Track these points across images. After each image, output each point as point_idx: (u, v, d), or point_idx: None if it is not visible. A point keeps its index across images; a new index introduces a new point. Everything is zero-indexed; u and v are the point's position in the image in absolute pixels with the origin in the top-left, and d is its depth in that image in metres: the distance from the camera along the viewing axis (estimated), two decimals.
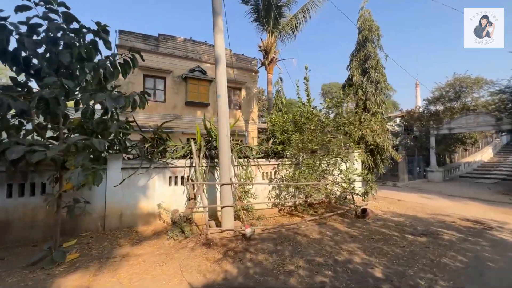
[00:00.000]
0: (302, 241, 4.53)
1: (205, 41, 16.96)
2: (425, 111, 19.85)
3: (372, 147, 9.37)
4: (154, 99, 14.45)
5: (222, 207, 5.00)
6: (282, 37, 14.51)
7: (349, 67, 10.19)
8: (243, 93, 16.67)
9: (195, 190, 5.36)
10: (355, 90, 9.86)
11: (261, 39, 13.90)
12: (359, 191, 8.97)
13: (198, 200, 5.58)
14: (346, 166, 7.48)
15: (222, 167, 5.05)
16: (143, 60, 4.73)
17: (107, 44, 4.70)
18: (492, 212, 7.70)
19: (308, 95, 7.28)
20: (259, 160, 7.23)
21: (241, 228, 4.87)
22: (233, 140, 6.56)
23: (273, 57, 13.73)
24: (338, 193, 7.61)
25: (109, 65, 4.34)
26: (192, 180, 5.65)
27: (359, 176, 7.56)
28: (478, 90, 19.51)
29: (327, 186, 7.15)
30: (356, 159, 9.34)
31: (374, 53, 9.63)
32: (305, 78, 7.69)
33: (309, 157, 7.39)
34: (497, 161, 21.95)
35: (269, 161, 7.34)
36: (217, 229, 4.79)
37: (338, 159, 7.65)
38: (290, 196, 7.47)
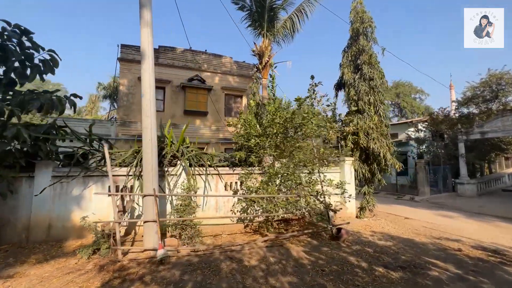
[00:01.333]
0: (225, 269, 3.60)
1: (205, 50, 17.04)
2: (456, 114, 17.26)
3: (370, 154, 8.00)
4: None
5: (144, 222, 4.32)
6: (278, 39, 13.85)
7: (340, 65, 9.06)
8: (244, 100, 16.22)
9: (125, 202, 4.78)
10: (347, 90, 8.67)
11: (254, 43, 13.37)
12: (351, 205, 7.61)
13: (135, 212, 4.97)
14: (320, 177, 6.33)
15: (145, 176, 4.41)
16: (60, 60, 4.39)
17: (34, 45, 4.49)
18: None
19: (273, 95, 6.38)
20: (220, 169, 6.46)
21: (167, 247, 4.11)
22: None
23: (267, 61, 13.06)
24: (319, 208, 6.43)
25: (18, 65, 4.07)
26: (125, 190, 5.09)
27: (339, 188, 6.32)
28: None
29: (299, 199, 6.05)
30: (349, 168, 8.04)
31: (368, 47, 8.42)
32: (270, 76, 6.82)
33: (283, 166, 6.39)
34: None
35: (233, 170, 6.51)
36: (133, 248, 4.10)
37: (315, 168, 6.53)
38: (260, 211, 6.49)
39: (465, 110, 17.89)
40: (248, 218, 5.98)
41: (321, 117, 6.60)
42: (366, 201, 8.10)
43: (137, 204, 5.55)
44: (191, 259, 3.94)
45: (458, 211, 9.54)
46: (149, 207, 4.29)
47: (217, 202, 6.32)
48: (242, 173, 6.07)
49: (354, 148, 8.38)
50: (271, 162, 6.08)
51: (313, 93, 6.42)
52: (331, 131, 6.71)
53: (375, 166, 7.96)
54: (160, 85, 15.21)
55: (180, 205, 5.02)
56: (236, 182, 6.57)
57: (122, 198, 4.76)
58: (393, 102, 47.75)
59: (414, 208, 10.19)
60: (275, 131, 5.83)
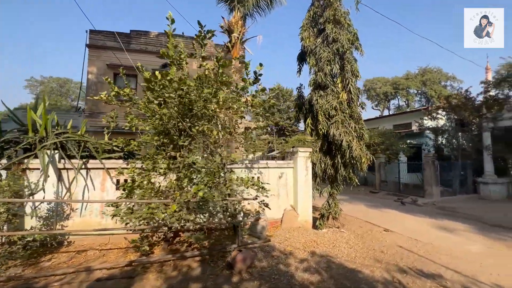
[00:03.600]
0: None
1: (182, 33, 15.55)
2: (481, 96, 13.92)
3: (333, 143, 5.92)
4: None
5: None
6: (252, 13, 11.89)
7: (300, 27, 6.94)
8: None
9: None
10: (308, 60, 6.59)
11: (223, 17, 11.56)
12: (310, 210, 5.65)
13: None
14: (251, 173, 4.50)
15: None
16: None
17: None
18: None
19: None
20: (110, 161, 4.90)
21: None
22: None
23: (238, 37, 11.20)
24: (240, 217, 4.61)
25: None
26: None
27: (261, 189, 4.45)
28: None
29: (208, 204, 4.27)
30: (303, 163, 6.07)
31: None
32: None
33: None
34: None
35: (127, 163, 4.92)
36: None
37: (236, 160, 4.71)
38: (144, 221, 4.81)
39: (499, 93, 14.40)
40: (132, 228, 4.36)
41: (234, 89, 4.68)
42: (327, 206, 6.06)
43: None
44: None
45: (470, 221, 7.05)
46: None
47: (103, 204, 4.80)
48: (123, 167, 4.45)
49: (316, 136, 6.35)
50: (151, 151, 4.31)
51: (202, 47, 4.52)
52: (248, 108, 4.76)
53: (339, 159, 5.86)
54: (132, 72, 14.08)
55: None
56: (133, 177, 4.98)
57: None
58: (419, 91, 42.80)
59: (409, 214, 7.84)
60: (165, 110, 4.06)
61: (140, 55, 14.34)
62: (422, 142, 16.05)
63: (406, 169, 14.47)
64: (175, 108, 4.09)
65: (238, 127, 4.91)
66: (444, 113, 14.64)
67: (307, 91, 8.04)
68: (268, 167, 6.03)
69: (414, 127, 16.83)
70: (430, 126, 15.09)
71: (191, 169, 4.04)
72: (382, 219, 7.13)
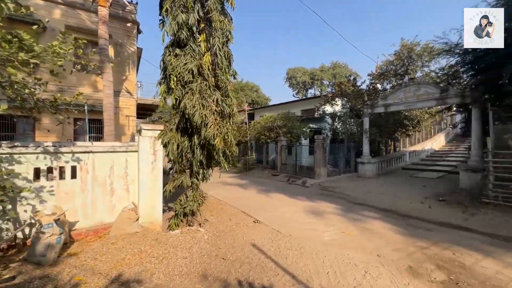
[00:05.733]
0: None
1: None
2: (367, 85, 15.73)
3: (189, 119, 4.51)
4: None
5: None
6: None
7: None
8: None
9: None
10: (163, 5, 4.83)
11: None
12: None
13: None
14: None
15: None
16: None
17: None
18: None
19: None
20: None
21: None
22: None
23: None
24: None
25: None
26: None
27: None
28: (429, 62, 15.71)
29: None
30: (150, 145, 4.47)
31: None
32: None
33: None
34: (448, 150, 18.84)
35: None
36: None
37: None
38: None
39: (379, 86, 16.65)
40: None
41: None
42: (184, 200, 4.75)
43: None
44: None
45: (340, 201, 7.25)
46: None
47: None
48: None
49: (174, 110, 4.80)
50: None
51: None
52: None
53: (195, 139, 4.56)
54: None
55: None
56: None
57: None
58: (331, 83, 48.04)
59: (292, 198, 7.58)
60: None
61: None
62: (322, 127, 17.29)
63: (308, 152, 15.27)
64: None
65: None
66: (340, 101, 15.96)
67: None
68: (92, 152, 4.14)
69: (317, 113, 17.91)
70: (328, 112, 16.28)
71: None
72: (260, 207, 6.49)
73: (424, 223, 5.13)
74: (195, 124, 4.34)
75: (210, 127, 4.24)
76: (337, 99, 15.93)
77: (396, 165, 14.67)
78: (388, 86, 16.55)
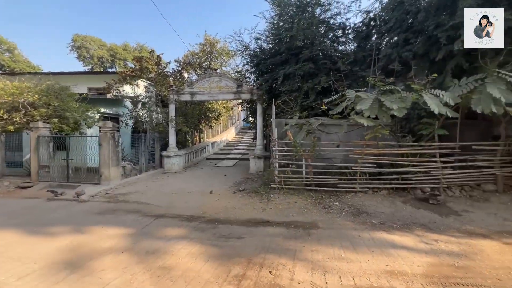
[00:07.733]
0: None
1: None
2: (176, 72, 14.33)
3: None
4: None
5: None
6: None
7: None
8: None
9: None
10: None
11: None
12: None
13: None
14: None
15: None
16: None
17: None
18: None
19: None
20: None
21: None
22: None
23: None
24: None
25: None
26: None
27: None
28: (227, 61, 17.50)
29: None
30: None
31: None
32: None
33: None
34: (237, 140, 22.95)
35: None
36: None
37: None
38: None
39: (186, 76, 15.93)
40: None
41: None
42: None
43: None
44: None
45: (134, 217, 4.97)
46: None
47: None
48: None
49: None
50: None
51: None
52: None
53: None
54: None
55: None
56: None
57: None
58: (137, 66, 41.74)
59: (32, 235, 4.04)
60: None
61: None
62: (120, 113, 13.37)
63: (97, 146, 10.87)
64: None
65: None
66: (143, 83, 13.07)
67: None
68: None
69: (111, 94, 13.58)
70: (128, 95, 12.82)
71: None
72: None
73: (234, 226, 4.38)
74: None
75: None
76: (139, 81, 12.93)
77: (202, 156, 14.89)
78: (194, 78, 16.41)
